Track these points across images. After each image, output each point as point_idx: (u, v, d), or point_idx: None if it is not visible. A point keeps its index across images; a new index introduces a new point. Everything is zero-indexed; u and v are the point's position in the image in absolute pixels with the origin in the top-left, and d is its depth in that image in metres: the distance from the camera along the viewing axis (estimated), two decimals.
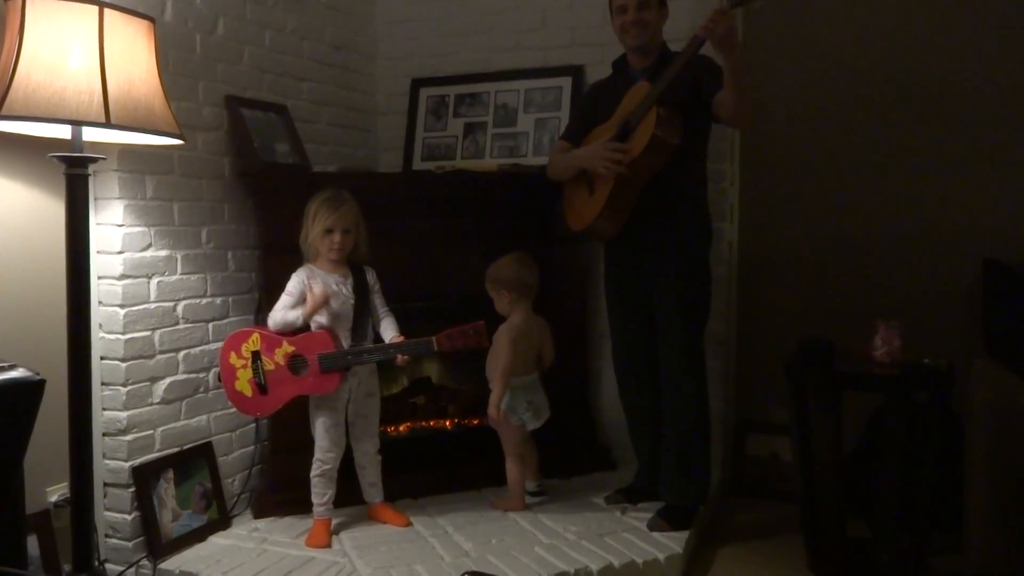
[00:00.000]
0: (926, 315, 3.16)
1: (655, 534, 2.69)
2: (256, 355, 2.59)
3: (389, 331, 2.68)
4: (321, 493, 2.66)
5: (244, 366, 2.59)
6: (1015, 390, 2.46)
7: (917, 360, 2.61)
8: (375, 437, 2.77)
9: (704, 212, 2.83)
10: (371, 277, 2.72)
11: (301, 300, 2.60)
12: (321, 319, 2.61)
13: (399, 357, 2.61)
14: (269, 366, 2.59)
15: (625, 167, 2.58)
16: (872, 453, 2.89)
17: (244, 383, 2.60)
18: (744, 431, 3.48)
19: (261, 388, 2.59)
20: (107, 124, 1.94)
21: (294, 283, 2.61)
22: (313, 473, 2.66)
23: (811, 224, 3.47)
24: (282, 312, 2.58)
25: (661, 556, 2.55)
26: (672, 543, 2.63)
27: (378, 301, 2.73)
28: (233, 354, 2.60)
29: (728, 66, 2.43)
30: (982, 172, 3.24)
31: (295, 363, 2.57)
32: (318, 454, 2.66)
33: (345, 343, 2.61)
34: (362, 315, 2.66)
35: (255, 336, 2.60)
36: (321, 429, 2.65)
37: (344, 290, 2.64)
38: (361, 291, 2.67)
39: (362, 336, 2.65)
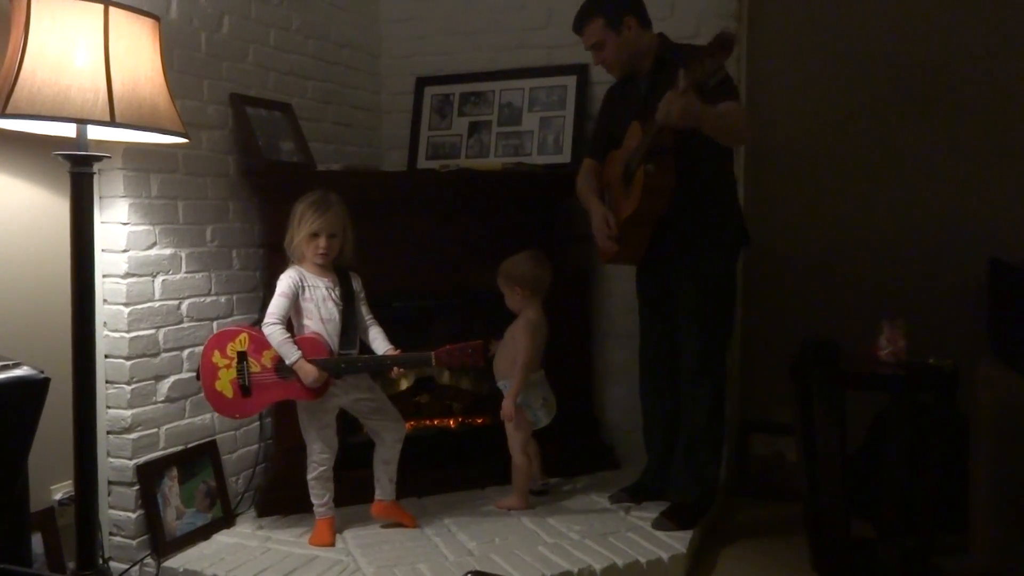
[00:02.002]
0: (931, 315, 3.15)
1: (659, 533, 2.68)
2: (242, 355, 2.54)
3: (379, 341, 2.64)
4: (320, 494, 2.66)
5: (227, 366, 2.54)
6: (1020, 391, 2.45)
7: (922, 360, 2.60)
8: (401, 422, 2.73)
9: (728, 218, 2.78)
10: (356, 284, 2.68)
11: (294, 299, 2.57)
12: (311, 324, 2.59)
13: (394, 369, 2.60)
14: (255, 368, 2.55)
15: (617, 238, 2.71)
16: (877, 453, 2.89)
17: (225, 383, 2.54)
18: (748, 431, 3.48)
19: (244, 390, 2.54)
20: (112, 122, 1.94)
21: (286, 283, 2.57)
22: (310, 476, 2.65)
23: (816, 224, 3.46)
24: (281, 338, 2.50)
25: (665, 555, 2.55)
26: (676, 542, 2.62)
27: (364, 309, 2.68)
28: (217, 353, 2.54)
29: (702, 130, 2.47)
30: (988, 172, 3.22)
31: (283, 366, 2.54)
32: (313, 456, 2.64)
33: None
34: (350, 323, 2.62)
35: (243, 336, 2.55)
36: (313, 432, 2.63)
37: (333, 296, 2.62)
38: (348, 298, 2.64)
39: (350, 344, 2.61)
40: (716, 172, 2.74)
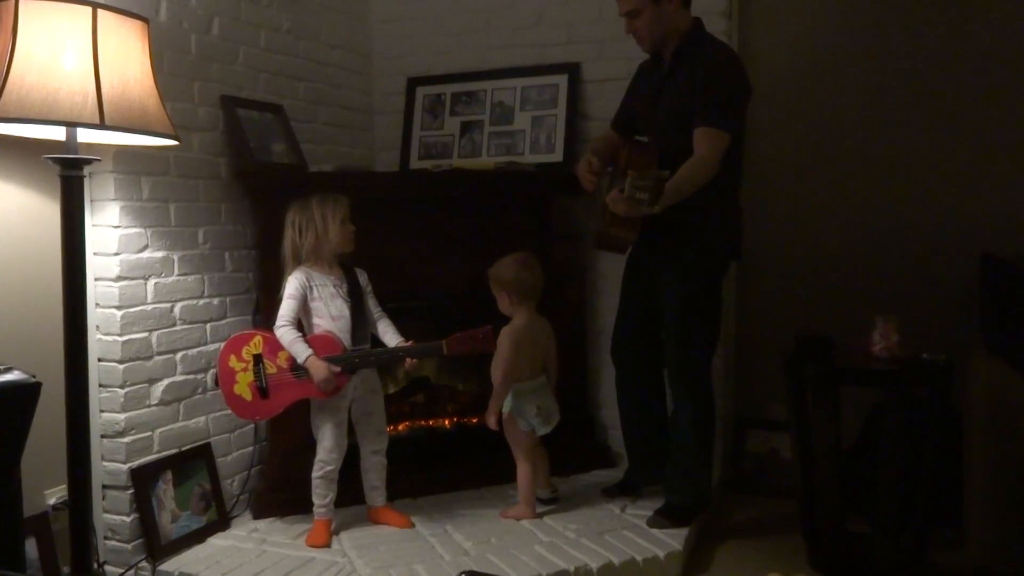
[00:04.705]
0: (924, 310, 3.16)
1: (655, 531, 2.69)
2: (258, 358, 2.57)
3: (390, 334, 2.67)
4: (323, 494, 2.66)
5: (244, 369, 2.57)
6: (1013, 384, 2.46)
7: (915, 355, 2.60)
8: (383, 434, 2.74)
9: (719, 234, 2.72)
10: (363, 279, 2.71)
11: (303, 301, 2.58)
12: (322, 322, 2.60)
13: (407, 360, 2.62)
14: (271, 369, 2.57)
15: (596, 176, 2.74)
16: (871, 448, 2.89)
17: (244, 386, 2.57)
18: (743, 427, 3.48)
19: (262, 392, 2.57)
20: (101, 125, 1.93)
21: (294, 286, 2.58)
22: (315, 474, 2.65)
23: (809, 219, 3.46)
24: (291, 338, 2.52)
25: (661, 553, 2.55)
26: (672, 540, 2.63)
27: (371, 303, 2.71)
28: (233, 357, 2.57)
29: None
30: (980, 166, 3.23)
31: (298, 366, 2.54)
32: (321, 455, 2.65)
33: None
34: (360, 318, 2.64)
35: (257, 339, 2.58)
36: (324, 430, 2.64)
37: (341, 292, 2.63)
38: (356, 294, 2.66)
39: (362, 339, 2.63)
40: (709, 189, 2.58)
